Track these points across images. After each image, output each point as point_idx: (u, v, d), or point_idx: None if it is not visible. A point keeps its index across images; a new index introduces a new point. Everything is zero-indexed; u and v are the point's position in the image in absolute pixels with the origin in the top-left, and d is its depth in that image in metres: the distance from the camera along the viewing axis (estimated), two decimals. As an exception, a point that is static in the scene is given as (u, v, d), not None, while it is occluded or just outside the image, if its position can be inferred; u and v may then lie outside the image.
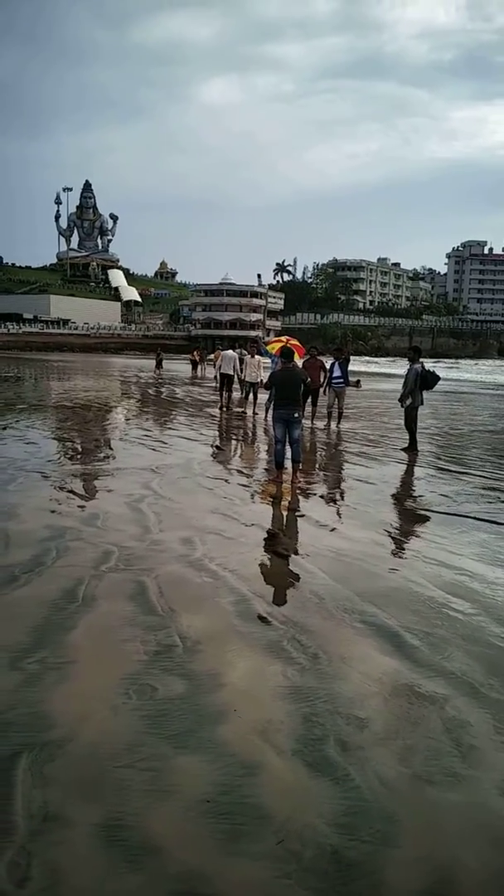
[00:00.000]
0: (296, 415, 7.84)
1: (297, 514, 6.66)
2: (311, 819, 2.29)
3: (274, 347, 13.91)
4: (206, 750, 2.65)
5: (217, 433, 12.89)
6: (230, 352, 17.02)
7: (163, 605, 4.07)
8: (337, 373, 13.25)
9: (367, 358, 73.23)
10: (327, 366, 13.54)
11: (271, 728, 2.81)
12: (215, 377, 17.25)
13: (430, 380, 10.36)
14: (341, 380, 13.28)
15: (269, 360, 15.61)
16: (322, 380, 13.46)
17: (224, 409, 16.26)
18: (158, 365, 36.48)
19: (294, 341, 13.36)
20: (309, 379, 8.38)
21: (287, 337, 15.06)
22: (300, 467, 8.24)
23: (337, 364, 13.32)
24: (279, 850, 2.14)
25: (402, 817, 2.32)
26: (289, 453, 7.97)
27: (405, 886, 2.04)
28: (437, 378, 10.54)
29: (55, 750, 2.61)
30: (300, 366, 9.14)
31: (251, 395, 15.82)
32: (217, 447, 11.04)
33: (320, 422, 13.87)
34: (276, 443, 7.96)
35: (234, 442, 12.08)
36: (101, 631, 3.70)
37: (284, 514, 6.68)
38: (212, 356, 23.44)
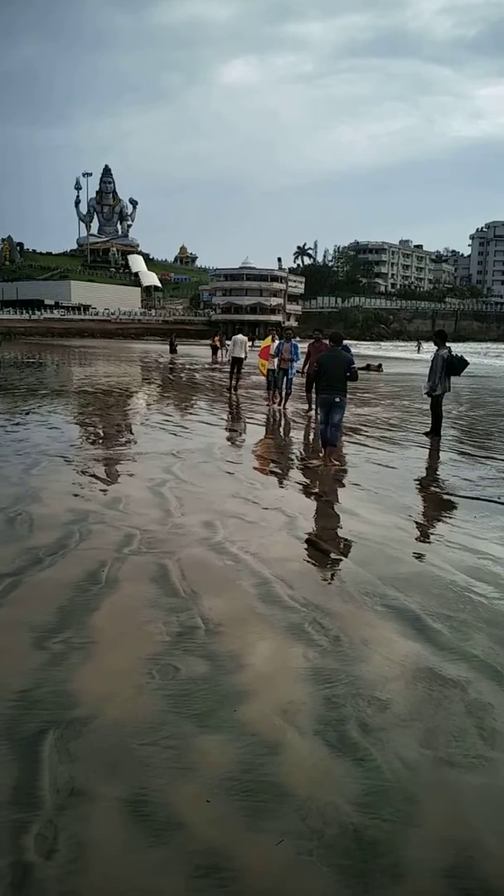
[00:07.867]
0: (337, 399, 7.87)
1: (318, 497, 6.65)
2: (333, 798, 2.30)
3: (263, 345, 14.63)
4: (229, 729, 2.68)
5: (237, 418, 12.89)
6: (240, 336, 17.73)
7: (185, 587, 4.11)
8: None
9: (363, 343, 71.64)
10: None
11: (292, 709, 2.83)
12: (228, 361, 17.67)
13: (457, 365, 10.07)
14: None
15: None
16: None
17: (233, 390, 16.56)
18: (172, 349, 36.65)
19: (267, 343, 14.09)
20: (355, 364, 8.14)
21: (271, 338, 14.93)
22: (334, 451, 8.24)
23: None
24: (302, 827, 2.16)
25: (423, 798, 2.33)
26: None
27: (427, 866, 2.05)
28: (465, 363, 10.24)
29: (80, 727, 2.66)
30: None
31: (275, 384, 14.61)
32: (237, 432, 11.03)
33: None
34: (320, 423, 8.34)
35: (255, 427, 12.06)
36: (124, 612, 3.75)
37: (306, 497, 6.67)
38: (229, 342, 23.68)
